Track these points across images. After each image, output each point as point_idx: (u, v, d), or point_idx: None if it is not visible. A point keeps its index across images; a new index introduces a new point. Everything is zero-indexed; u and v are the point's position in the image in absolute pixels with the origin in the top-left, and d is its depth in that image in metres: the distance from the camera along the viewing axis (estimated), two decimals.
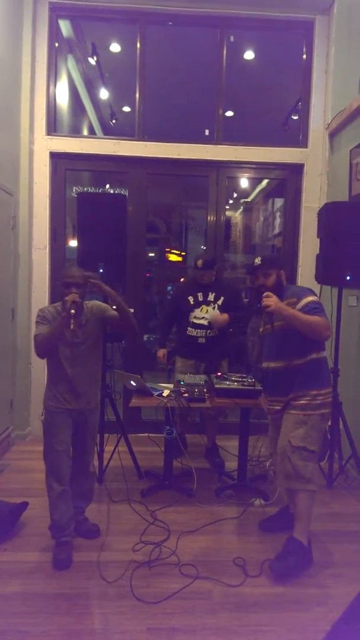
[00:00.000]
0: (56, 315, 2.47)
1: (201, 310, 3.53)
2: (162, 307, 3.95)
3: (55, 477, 2.49)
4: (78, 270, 2.50)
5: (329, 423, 2.97)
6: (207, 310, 3.52)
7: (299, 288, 2.64)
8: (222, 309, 3.51)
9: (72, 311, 2.30)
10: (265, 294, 2.43)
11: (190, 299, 3.55)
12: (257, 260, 2.57)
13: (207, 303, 3.52)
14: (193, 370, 3.58)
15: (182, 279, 5.06)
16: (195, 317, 3.53)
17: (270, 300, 2.37)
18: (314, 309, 2.40)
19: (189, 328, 3.55)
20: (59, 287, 2.51)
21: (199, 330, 3.53)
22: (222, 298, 3.52)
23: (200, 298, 3.54)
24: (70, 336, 2.46)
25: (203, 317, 3.52)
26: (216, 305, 3.51)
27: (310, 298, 2.45)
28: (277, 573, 2.38)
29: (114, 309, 2.64)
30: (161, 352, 3.77)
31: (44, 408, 2.58)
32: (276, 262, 2.66)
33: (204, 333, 3.52)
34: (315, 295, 2.53)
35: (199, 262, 3.46)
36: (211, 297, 3.53)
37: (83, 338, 2.51)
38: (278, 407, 2.58)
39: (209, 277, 3.50)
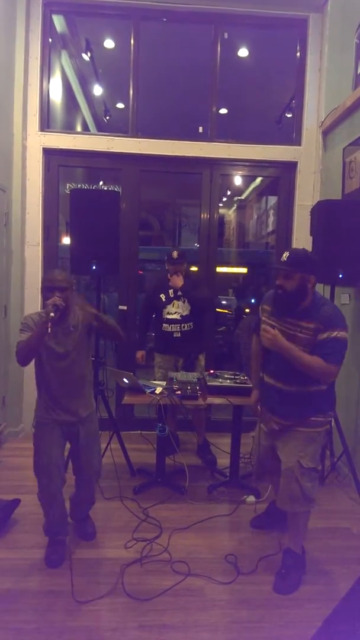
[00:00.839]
0: (39, 322, 2.32)
1: (173, 305, 3.64)
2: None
3: (45, 493, 2.41)
4: (61, 274, 2.37)
5: None
6: (178, 305, 3.63)
7: (333, 314, 2.17)
8: (191, 302, 3.64)
9: (52, 314, 2.16)
10: (263, 329, 2.23)
11: (162, 296, 3.66)
12: (285, 256, 2.19)
13: (178, 298, 3.64)
14: (171, 365, 3.69)
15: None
16: (168, 313, 3.64)
17: (268, 337, 2.18)
18: (334, 349, 2.12)
19: (163, 324, 3.66)
20: (43, 290, 2.38)
21: (173, 325, 3.62)
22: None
23: (172, 295, 3.65)
24: (58, 346, 2.34)
25: (176, 312, 3.63)
26: (186, 300, 3.63)
27: (337, 334, 2.12)
28: (282, 592, 2.30)
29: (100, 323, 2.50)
30: (139, 354, 3.84)
31: (34, 420, 2.48)
32: (305, 263, 2.18)
33: (178, 327, 3.63)
34: (345, 325, 2.17)
35: (175, 253, 3.60)
36: (180, 292, 3.63)
37: (72, 346, 2.39)
38: (276, 428, 2.37)
39: (182, 268, 3.63)
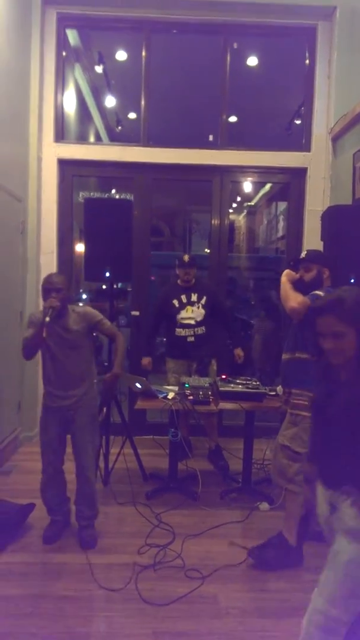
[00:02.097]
0: (41, 319, 2.55)
1: (186, 311, 3.65)
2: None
3: (44, 467, 2.69)
4: (57, 276, 2.61)
5: None
6: (192, 311, 3.65)
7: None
8: (205, 307, 3.66)
9: (47, 318, 2.39)
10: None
11: (175, 302, 3.66)
12: (303, 254, 2.60)
13: (192, 304, 3.66)
14: (185, 370, 3.69)
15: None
16: (182, 318, 3.65)
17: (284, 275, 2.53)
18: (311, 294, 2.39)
19: (177, 329, 3.66)
20: (41, 292, 2.62)
21: (187, 330, 3.64)
22: (204, 297, 3.68)
23: (185, 300, 3.66)
24: (56, 341, 2.56)
25: (189, 317, 3.64)
26: (200, 305, 3.65)
27: (321, 292, 2.37)
28: (254, 560, 2.49)
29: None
30: (146, 360, 3.82)
31: (42, 403, 2.74)
32: (320, 258, 2.59)
33: (192, 332, 3.64)
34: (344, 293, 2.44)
35: (185, 257, 3.64)
36: (194, 297, 3.66)
37: (71, 341, 2.59)
38: (282, 403, 2.63)
39: (192, 274, 3.66)
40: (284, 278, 2.55)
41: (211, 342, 3.74)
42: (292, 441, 2.45)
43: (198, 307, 3.65)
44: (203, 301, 3.66)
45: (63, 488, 2.77)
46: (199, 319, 3.64)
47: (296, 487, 2.44)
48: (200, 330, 3.64)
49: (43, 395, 2.73)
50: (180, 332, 3.65)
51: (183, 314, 3.65)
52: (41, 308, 2.68)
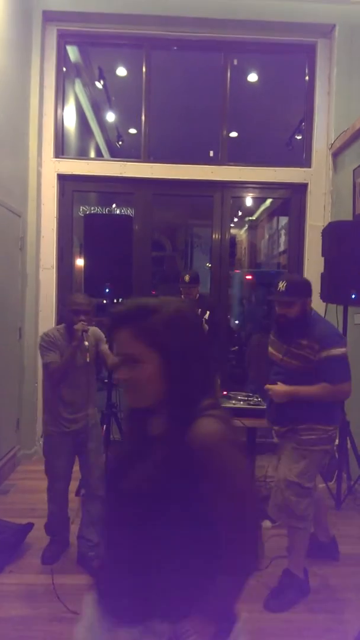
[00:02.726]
0: (61, 339, 2.51)
1: None
2: None
3: (53, 495, 2.61)
4: (85, 298, 2.57)
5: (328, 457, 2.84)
6: None
7: (327, 332, 2.27)
8: (208, 322, 3.67)
9: (86, 343, 2.38)
10: (266, 387, 2.36)
11: None
12: (282, 286, 2.26)
13: None
14: None
15: None
16: None
17: (276, 394, 2.31)
18: (334, 368, 2.18)
19: None
20: (66, 312, 2.55)
21: None
22: (207, 313, 3.69)
23: None
24: (79, 359, 2.51)
25: None
26: (203, 320, 3.65)
27: (335, 351, 2.18)
28: (270, 609, 2.29)
29: None
30: None
31: (42, 434, 2.63)
32: (303, 289, 2.29)
33: None
34: (342, 341, 2.28)
35: (186, 277, 3.66)
36: (197, 312, 3.60)
37: (85, 360, 2.52)
38: (275, 440, 2.49)
39: (194, 292, 3.68)
40: (284, 396, 2.30)
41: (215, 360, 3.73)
42: (301, 477, 2.28)
43: (202, 323, 3.65)
44: (206, 316, 3.67)
45: (67, 511, 2.70)
46: None
47: (307, 524, 2.36)
48: None
49: (49, 421, 2.58)
50: None
51: None
52: (53, 323, 2.66)
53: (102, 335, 2.69)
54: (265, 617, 2.26)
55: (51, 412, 2.57)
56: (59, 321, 4.19)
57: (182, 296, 3.70)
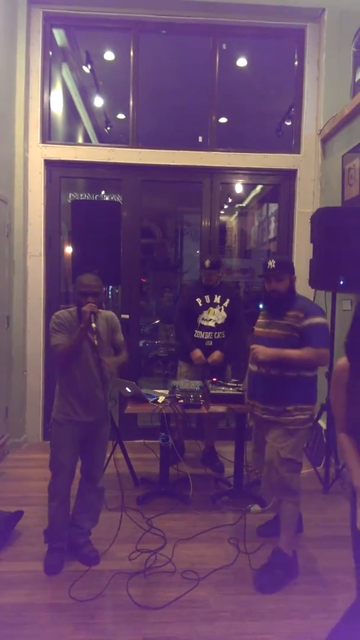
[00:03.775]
0: (72, 321, 2.41)
1: (209, 312, 3.58)
2: (174, 312, 3.96)
3: (57, 489, 2.48)
4: (95, 279, 2.45)
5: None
6: (214, 313, 3.57)
7: (309, 304, 2.54)
8: (228, 310, 3.59)
9: (94, 325, 2.31)
10: (251, 347, 2.47)
11: (199, 300, 3.59)
12: (271, 263, 2.47)
13: (214, 305, 3.59)
14: (198, 375, 3.56)
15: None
16: (203, 319, 3.57)
17: (258, 353, 2.42)
18: (317, 334, 2.38)
19: (196, 330, 3.58)
20: (75, 294, 2.47)
21: (206, 333, 3.56)
22: (227, 300, 3.60)
23: (208, 300, 3.59)
24: (88, 344, 2.40)
25: (211, 319, 3.57)
26: (222, 307, 3.58)
27: (317, 319, 2.40)
28: (263, 588, 2.35)
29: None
30: (198, 352, 3.52)
31: (52, 419, 2.51)
32: (290, 265, 2.57)
33: (211, 335, 3.56)
34: (324, 315, 2.48)
35: (207, 262, 3.54)
36: (217, 299, 3.60)
37: (99, 346, 2.42)
38: (262, 415, 2.53)
39: (215, 277, 3.58)
40: (267, 355, 2.41)
41: (229, 346, 3.61)
42: (294, 452, 2.43)
43: (220, 310, 3.57)
44: (226, 304, 3.58)
45: (69, 508, 2.58)
46: (220, 322, 3.56)
47: (299, 497, 2.49)
48: (220, 334, 3.56)
49: (59, 406, 2.48)
50: (199, 334, 3.57)
51: (205, 315, 3.57)
52: (42, 317, 2.55)
53: (117, 322, 2.60)
54: (253, 598, 2.30)
55: (62, 397, 2.48)
56: (48, 307, 4.16)
57: (203, 281, 3.60)
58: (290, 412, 2.43)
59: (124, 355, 2.64)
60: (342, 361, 1.74)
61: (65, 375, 2.47)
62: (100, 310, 2.48)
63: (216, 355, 3.54)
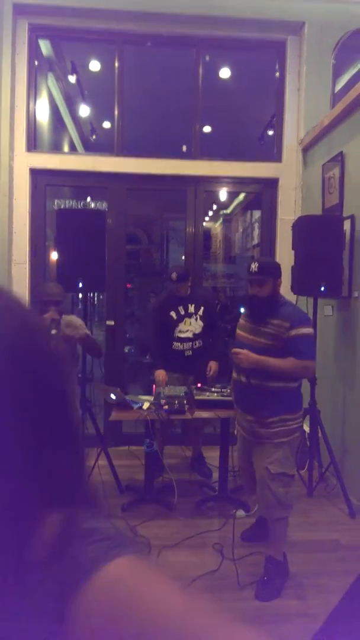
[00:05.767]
0: None
1: (184, 323, 3.55)
2: (146, 327, 3.98)
3: None
4: (56, 287, 2.50)
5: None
6: (190, 323, 3.55)
7: (296, 312, 2.42)
8: (203, 319, 3.56)
9: (54, 331, 2.32)
10: (233, 351, 2.37)
11: (173, 314, 3.54)
12: (254, 267, 2.38)
13: (190, 315, 3.55)
14: (180, 383, 3.55)
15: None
16: (180, 331, 3.55)
17: (241, 359, 2.32)
18: (302, 345, 2.28)
19: (174, 343, 3.55)
20: (37, 304, 2.50)
21: (185, 344, 3.55)
22: (202, 308, 3.57)
23: (182, 312, 3.55)
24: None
25: (188, 330, 3.55)
26: (198, 317, 3.56)
27: (304, 330, 2.30)
28: (263, 599, 2.34)
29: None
30: (161, 374, 3.53)
31: None
32: (275, 269, 2.44)
33: (190, 346, 3.55)
34: (309, 323, 2.42)
35: (173, 275, 3.46)
36: (191, 309, 3.57)
37: (64, 352, 2.48)
38: (246, 425, 2.49)
39: (184, 289, 3.51)
40: (250, 361, 2.32)
41: (208, 353, 3.63)
42: (284, 466, 2.35)
43: (196, 319, 3.54)
44: (200, 312, 3.55)
45: None
46: (197, 331, 3.53)
47: (291, 510, 2.43)
48: (198, 343, 3.55)
49: None
50: (177, 346, 3.54)
51: (181, 327, 3.53)
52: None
53: (79, 322, 2.63)
54: (238, 605, 2.31)
55: None
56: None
57: (174, 293, 3.54)
58: (275, 424, 2.35)
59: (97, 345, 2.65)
60: None
61: None
62: (64, 315, 2.54)
63: (214, 368, 3.60)
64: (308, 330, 2.34)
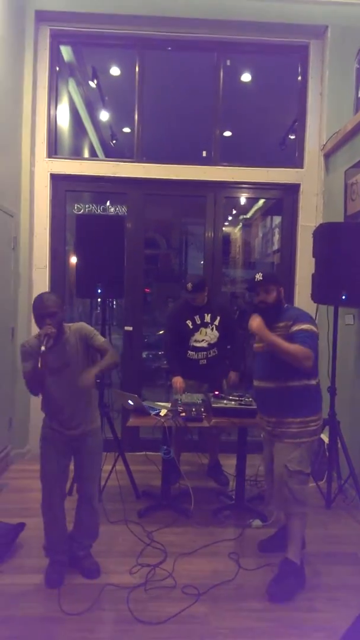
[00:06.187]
0: (37, 347, 2.30)
1: (200, 333, 3.53)
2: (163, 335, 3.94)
3: (47, 503, 2.50)
4: (49, 298, 2.35)
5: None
6: (206, 333, 3.52)
7: (299, 313, 2.58)
8: (219, 328, 3.53)
9: (43, 348, 2.19)
10: (251, 318, 2.51)
11: (189, 323, 3.51)
12: (258, 276, 2.56)
13: (205, 325, 3.52)
14: (194, 390, 3.53)
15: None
16: (195, 341, 3.53)
17: (254, 321, 2.46)
18: (304, 337, 2.39)
19: (189, 352, 3.54)
20: (35, 318, 2.38)
21: (200, 353, 3.53)
22: (218, 318, 3.53)
23: (198, 321, 3.52)
24: (53, 362, 2.35)
25: (203, 340, 3.53)
26: (214, 326, 3.52)
27: (305, 326, 2.43)
28: (276, 597, 2.39)
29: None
30: (178, 381, 3.52)
31: (41, 434, 2.54)
32: (277, 278, 2.68)
33: (205, 355, 3.53)
34: (313, 323, 2.50)
35: (189, 286, 3.42)
36: (207, 318, 3.53)
37: (66, 360, 2.41)
38: (269, 428, 2.60)
39: (200, 299, 3.48)
40: (260, 327, 2.44)
41: (223, 363, 3.62)
42: (301, 464, 2.47)
43: (212, 329, 3.51)
44: (217, 322, 3.51)
45: (65, 522, 2.56)
46: (212, 341, 3.51)
47: (307, 507, 2.54)
48: (213, 352, 3.53)
49: (44, 424, 2.53)
50: (192, 355, 3.53)
51: (197, 336, 3.51)
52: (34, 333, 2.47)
53: (89, 329, 2.50)
54: (253, 615, 2.29)
55: (46, 412, 2.53)
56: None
57: (190, 303, 3.50)
58: (296, 424, 2.46)
59: (109, 355, 2.48)
60: None
61: (43, 394, 2.46)
62: (69, 325, 2.47)
63: (233, 378, 3.65)
64: (309, 326, 2.45)
